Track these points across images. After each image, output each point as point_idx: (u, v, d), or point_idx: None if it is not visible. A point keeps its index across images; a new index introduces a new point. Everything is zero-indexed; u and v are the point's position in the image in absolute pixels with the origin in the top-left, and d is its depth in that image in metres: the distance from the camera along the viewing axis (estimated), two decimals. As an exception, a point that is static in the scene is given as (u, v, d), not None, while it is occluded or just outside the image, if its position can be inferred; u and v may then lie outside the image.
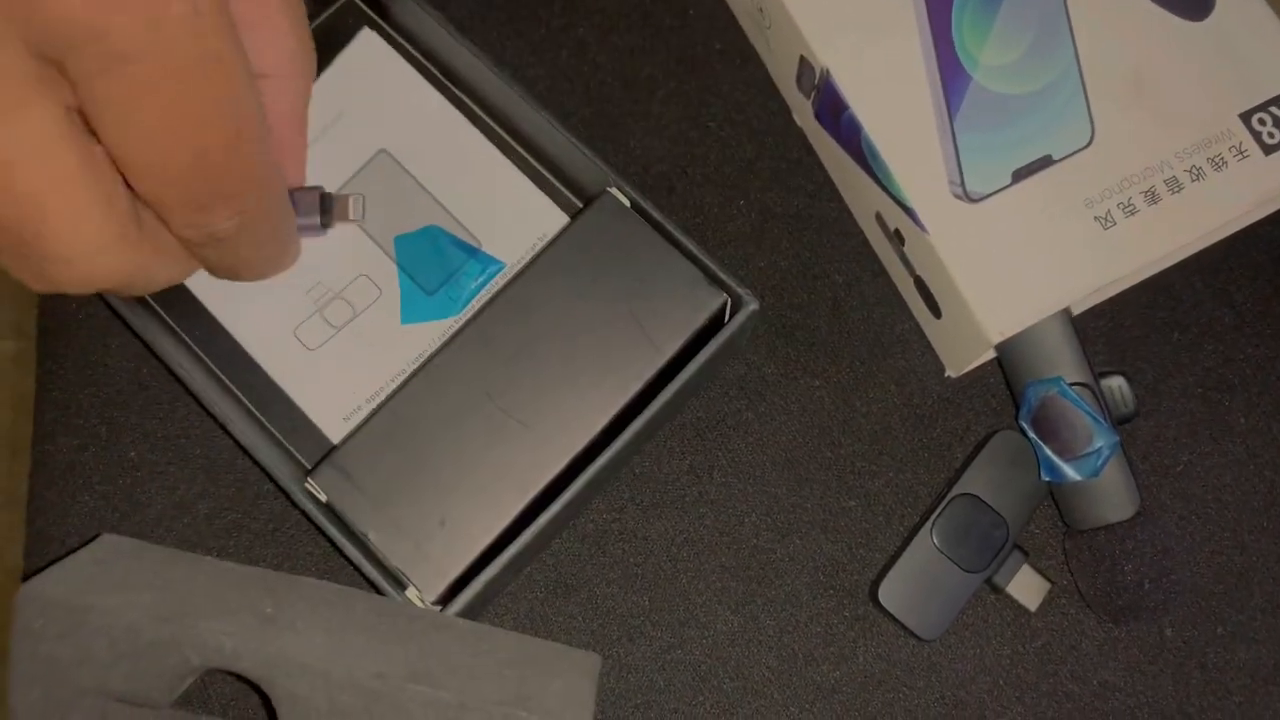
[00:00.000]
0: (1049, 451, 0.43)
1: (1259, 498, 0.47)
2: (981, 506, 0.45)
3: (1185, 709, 0.45)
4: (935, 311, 0.45)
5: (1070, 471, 0.43)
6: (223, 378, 0.43)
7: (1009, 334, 0.43)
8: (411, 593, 0.40)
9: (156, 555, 0.41)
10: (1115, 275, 0.43)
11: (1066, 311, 0.44)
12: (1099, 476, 0.43)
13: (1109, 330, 0.48)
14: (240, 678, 0.38)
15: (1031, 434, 0.44)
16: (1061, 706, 0.45)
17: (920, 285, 0.46)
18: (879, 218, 0.46)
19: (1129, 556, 0.43)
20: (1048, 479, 0.44)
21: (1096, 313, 0.48)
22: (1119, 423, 0.45)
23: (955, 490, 0.45)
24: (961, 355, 0.46)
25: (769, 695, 0.45)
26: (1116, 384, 0.45)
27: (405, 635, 0.38)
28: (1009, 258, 0.43)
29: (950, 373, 0.48)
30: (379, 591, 0.40)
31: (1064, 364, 0.44)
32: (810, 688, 0.45)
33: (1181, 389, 0.48)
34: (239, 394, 0.43)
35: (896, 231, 0.45)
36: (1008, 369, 0.45)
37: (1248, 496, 0.47)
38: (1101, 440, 0.43)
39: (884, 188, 0.44)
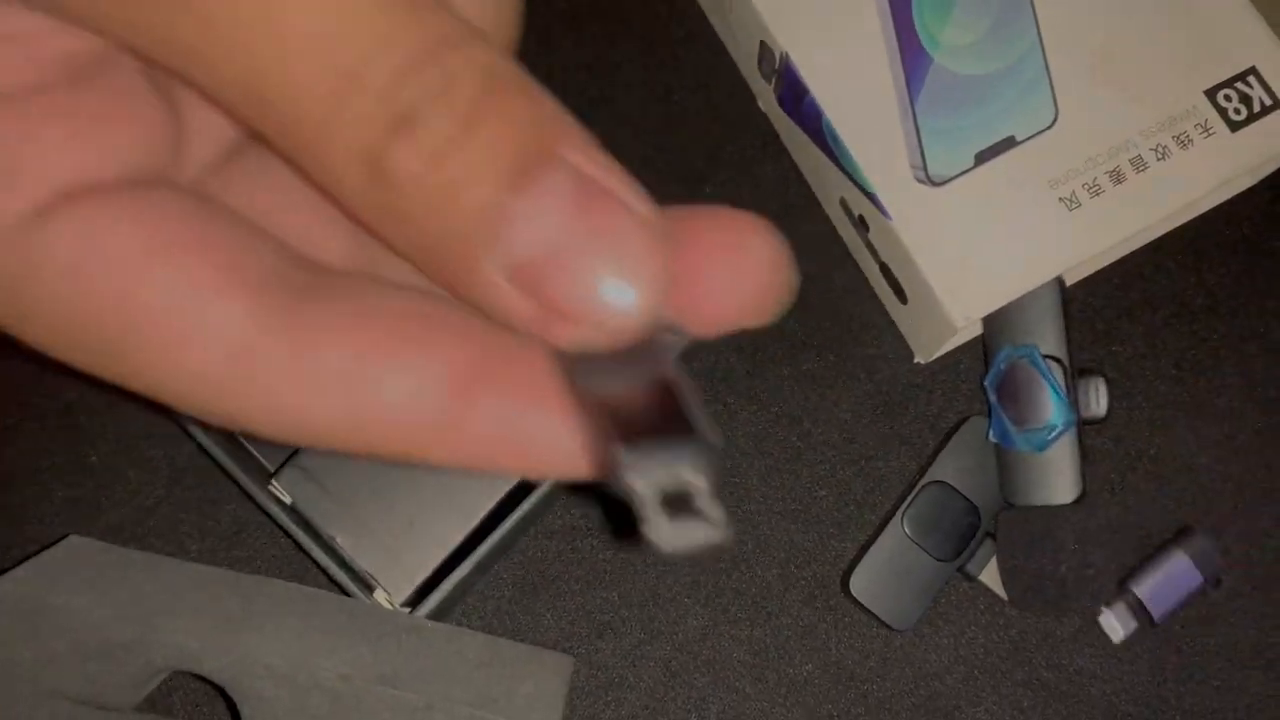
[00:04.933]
0: (1004, 416, 0.46)
1: (1233, 480, 0.49)
2: (953, 494, 0.48)
3: (1162, 692, 0.48)
4: (901, 297, 0.48)
5: (1019, 440, 0.45)
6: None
7: (974, 318, 0.45)
8: (380, 595, 0.42)
9: (122, 557, 0.43)
10: (1082, 256, 0.45)
11: (1058, 281, 0.46)
12: (1043, 452, 0.46)
13: (1080, 313, 0.51)
14: (205, 680, 0.40)
15: (992, 396, 0.46)
16: (1037, 694, 0.48)
17: (886, 271, 0.48)
18: (844, 204, 0.49)
19: (1054, 542, 0.45)
20: (995, 441, 0.46)
21: (1066, 295, 0.50)
22: (1085, 423, 0.47)
23: (926, 478, 0.48)
24: (930, 341, 0.48)
25: (741, 689, 0.48)
26: (1095, 383, 0.47)
27: (373, 637, 0.40)
28: (973, 241, 0.45)
29: (920, 359, 0.50)
30: (347, 594, 0.42)
31: (1043, 334, 0.46)
32: (783, 681, 0.48)
33: (1155, 371, 0.50)
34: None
35: (860, 217, 0.48)
36: (989, 333, 0.47)
37: (1222, 479, 0.50)
38: (1058, 418, 0.45)
39: (847, 173, 0.46)
